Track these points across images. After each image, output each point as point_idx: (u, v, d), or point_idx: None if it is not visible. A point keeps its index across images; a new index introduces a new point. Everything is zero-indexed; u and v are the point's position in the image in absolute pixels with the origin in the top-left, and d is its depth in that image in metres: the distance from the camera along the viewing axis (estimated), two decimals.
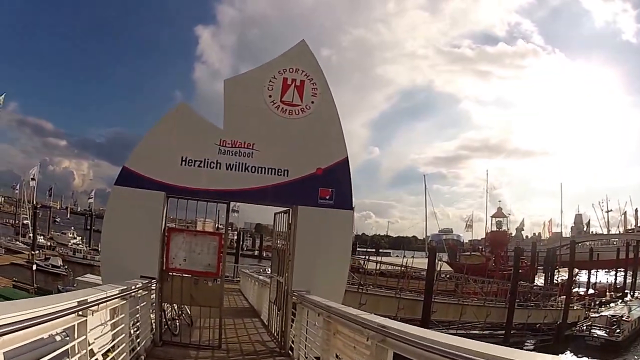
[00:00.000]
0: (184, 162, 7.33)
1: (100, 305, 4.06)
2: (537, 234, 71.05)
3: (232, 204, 7.90)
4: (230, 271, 27.76)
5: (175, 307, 8.10)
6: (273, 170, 7.54)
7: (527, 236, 67.18)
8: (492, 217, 50.74)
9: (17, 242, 45.37)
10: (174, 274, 7.21)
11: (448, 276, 30.64)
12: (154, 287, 6.91)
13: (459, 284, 28.88)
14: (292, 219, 7.66)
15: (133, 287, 5.44)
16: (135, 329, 5.88)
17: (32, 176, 58.48)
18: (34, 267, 28.81)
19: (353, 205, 7.97)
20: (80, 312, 3.50)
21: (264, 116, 7.66)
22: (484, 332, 24.14)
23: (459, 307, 24.18)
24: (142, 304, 6.16)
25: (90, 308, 3.68)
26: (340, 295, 7.40)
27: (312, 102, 7.77)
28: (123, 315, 5.05)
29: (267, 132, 7.67)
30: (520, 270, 31.44)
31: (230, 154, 7.47)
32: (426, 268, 23.81)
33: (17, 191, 68.69)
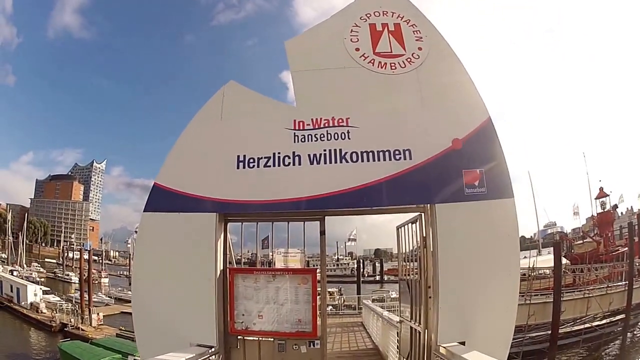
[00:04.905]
0: (241, 164, 4.57)
1: None
2: (629, 208, 61.58)
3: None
4: (354, 300, 26.35)
5: None
6: (386, 154, 4.46)
7: (621, 212, 58.65)
8: (595, 199, 47.18)
9: (129, 292, 46.37)
10: (245, 336, 4.71)
11: (571, 270, 27.53)
12: None
13: (578, 275, 26.31)
14: (427, 229, 4.47)
15: None
16: None
17: (135, 230, 61.01)
18: None
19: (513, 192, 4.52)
20: None
21: (354, 77, 4.88)
22: (604, 322, 21.74)
23: (585, 301, 21.30)
24: None
25: None
26: (507, 343, 4.30)
27: (420, 49, 5.00)
28: None
29: (365, 98, 4.77)
30: (626, 248, 28.06)
31: (313, 139, 4.57)
32: (549, 266, 21.94)
33: (129, 245, 71.81)
